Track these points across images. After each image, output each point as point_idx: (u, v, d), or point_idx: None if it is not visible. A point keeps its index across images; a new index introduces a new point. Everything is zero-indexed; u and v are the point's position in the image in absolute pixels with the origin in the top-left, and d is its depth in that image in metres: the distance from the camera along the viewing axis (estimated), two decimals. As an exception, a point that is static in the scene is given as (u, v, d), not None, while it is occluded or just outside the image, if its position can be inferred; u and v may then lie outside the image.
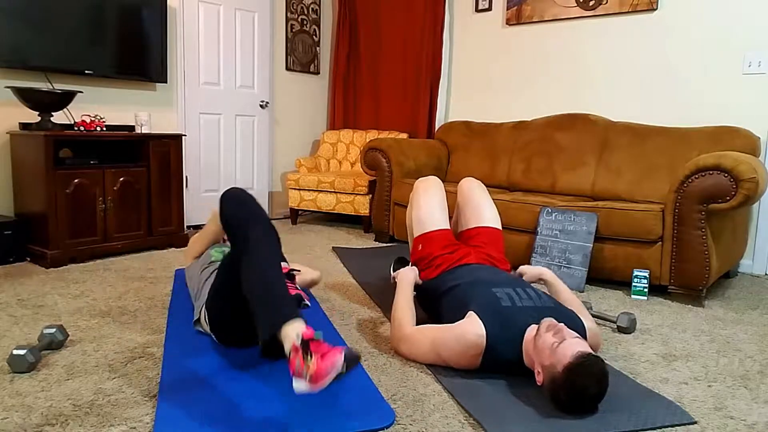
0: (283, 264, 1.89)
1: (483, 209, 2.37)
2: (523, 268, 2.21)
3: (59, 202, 3.03)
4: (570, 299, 2.04)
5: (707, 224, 2.61)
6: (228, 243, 2.32)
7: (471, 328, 1.72)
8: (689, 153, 3.17)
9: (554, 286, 2.12)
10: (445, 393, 1.68)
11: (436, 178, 2.45)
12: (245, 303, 1.63)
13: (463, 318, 1.78)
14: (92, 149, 3.35)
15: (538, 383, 1.61)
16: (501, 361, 1.73)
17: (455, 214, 2.52)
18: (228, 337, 1.92)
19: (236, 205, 1.81)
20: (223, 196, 1.81)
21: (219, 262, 2.14)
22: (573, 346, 1.53)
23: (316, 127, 5.27)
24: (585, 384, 1.49)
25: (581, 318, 1.84)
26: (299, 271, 2.22)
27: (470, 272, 2.04)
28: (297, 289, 1.85)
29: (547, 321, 1.65)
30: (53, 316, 2.26)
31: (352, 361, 1.35)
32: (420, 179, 2.46)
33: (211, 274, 2.11)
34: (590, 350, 1.54)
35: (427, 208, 2.32)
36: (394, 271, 2.68)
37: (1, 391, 1.62)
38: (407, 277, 2.14)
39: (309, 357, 1.35)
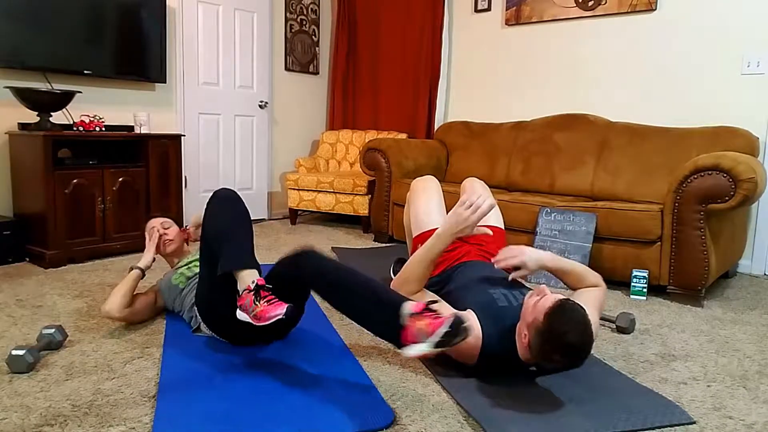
0: (259, 277, 1.73)
1: None
2: (525, 260, 1.91)
3: (58, 203, 3.02)
4: (578, 279, 1.93)
5: (706, 224, 2.61)
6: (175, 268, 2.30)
7: (469, 324, 1.72)
8: (688, 153, 3.17)
9: (559, 271, 1.95)
10: (444, 393, 1.68)
11: (433, 177, 2.45)
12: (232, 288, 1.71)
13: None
14: (91, 149, 3.35)
15: (524, 344, 1.64)
16: (498, 359, 1.74)
17: None
18: (234, 335, 1.91)
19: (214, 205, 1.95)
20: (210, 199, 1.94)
21: (190, 280, 2.16)
22: (554, 297, 1.61)
23: (315, 128, 5.27)
24: (566, 326, 1.52)
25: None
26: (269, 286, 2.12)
27: (469, 271, 2.04)
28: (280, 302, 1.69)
29: (530, 291, 1.72)
30: (52, 317, 2.26)
31: (292, 314, 1.56)
32: (417, 179, 2.45)
33: (191, 289, 2.11)
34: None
35: (426, 207, 2.31)
36: (394, 273, 2.68)
37: (0, 392, 1.62)
38: (448, 226, 1.87)
39: (259, 300, 1.59)
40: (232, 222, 1.79)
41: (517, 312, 1.75)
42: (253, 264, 1.73)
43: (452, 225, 1.90)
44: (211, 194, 1.90)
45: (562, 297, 1.61)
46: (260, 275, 1.72)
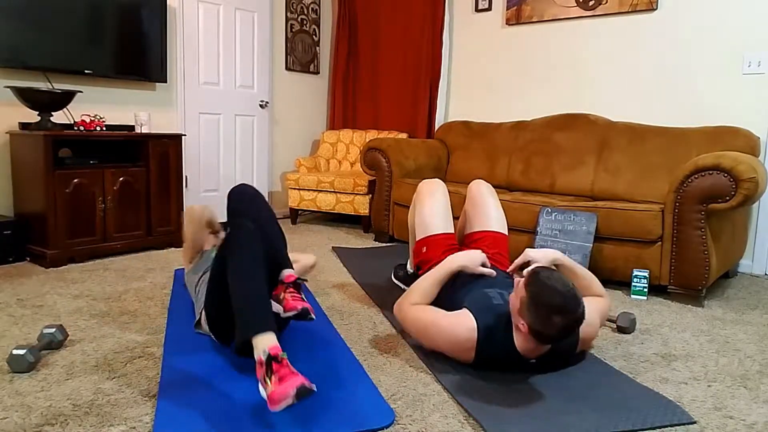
0: (289, 272, 1.86)
1: (489, 212, 2.37)
2: (532, 255, 2.02)
3: (59, 202, 3.02)
4: (586, 286, 2.00)
5: (707, 224, 2.61)
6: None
7: (464, 321, 1.78)
8: (689, 153, 3.17)
9: (569, 269, 2.01)
10: (444, 393, 1.68)
11: (440, 181, 2.44)
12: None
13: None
14: (92, 149, 3.35)
15: (524, 333, 1.68)
16: (495, 354, 1.76)
17: (462, 216, 2.52)
18: (227, 336, 1.92)
19: (235, 200, 1.98)
20: (229, 192, 1.98)
21: None
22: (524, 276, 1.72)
23: (315, 127, 5.27)
24: (547, 284, 1.61)
25: None
26: (306, 280, 2.19)
27: (468, 275, 2.05)
28: (304, 301, 1.78)
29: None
30: (53, 316, 2.26)
31: (304, 394, 1.40)
32: (425, 181, 2.45)
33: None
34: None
35: (432, 211, 2.32)
36: (395, 277, 2.71)
37: (1, 391, 1.62)
38: (453, 261, 2.02)
39: (270, 375, 1.43)
40: (243, 279, 1.66)
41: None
42: (263, 324, 1.56)
43: (461, 262, 2.01)
44: (228, 193, 1.97)
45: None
46: (273, 330, 1.57)
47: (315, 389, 1.42)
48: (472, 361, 1.79)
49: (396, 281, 2.72)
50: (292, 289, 1.83)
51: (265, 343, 1.51)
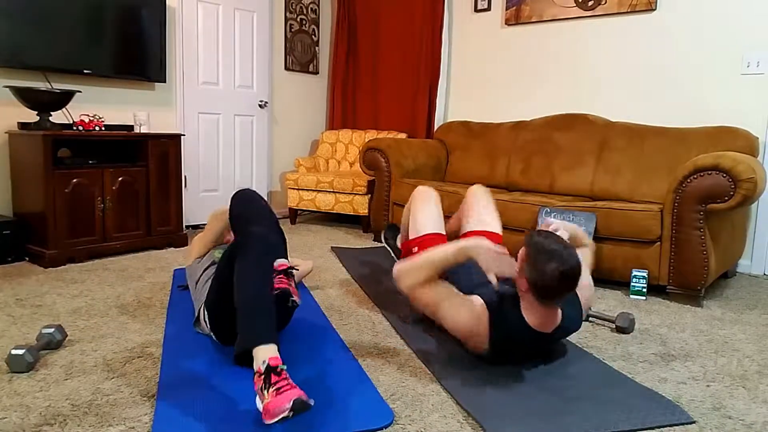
0: (282, 261, 1.87)
1: (484, 216, 2.42)
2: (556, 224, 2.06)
3: (58, 202, 3.02)
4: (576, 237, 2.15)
5: (706, 224, 2.61)
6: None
7: (474, 299, 1.83)
8: (688, 153, 3.17)
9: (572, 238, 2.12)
10: (444, 392, 1.68)
11: (433, 190, 2.48)
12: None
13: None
14: (91, 149, 3.35)
15: (524, 290, 1.73)
16: (510, 330, 1.78)
17: (457, 217, 2.54)
18: (228, 336, 1.91)
19: (242, 204, 2.01)
20: (233, 195, 2.03)
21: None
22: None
23: (315, 127, 5.27)
24: (537, 234, 1.71)
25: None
26: (298, 269, 2.22)
27: (465, 271, 2.07)
28: (291, 286, 1.82)
29: None
30: (52, 316, 2.26)
31: (300, 407, 1.38)
32: (420, 188, 2.48)
33: (213, 273, 2.11)
34: None
35: (425, 215, 2.37)
36: (384, 238, 2.87)
37: (0, 391, 1.62)
38: (468, 245, 1.85)
39: (267, 387, 1.42)
40: (249, 285, 1.68)
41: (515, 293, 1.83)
42: (266, 335, 1.56)
43: (481, 253, 1.84)
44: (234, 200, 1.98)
45: None
46: (275, 342, 1.56)
47: (312, 403, 1.39)
48: (488, 344, 1.79)
49: (386, 245, 2.88)
50: (282, 276, 1.83)
51: (265, 353, 1.50)
